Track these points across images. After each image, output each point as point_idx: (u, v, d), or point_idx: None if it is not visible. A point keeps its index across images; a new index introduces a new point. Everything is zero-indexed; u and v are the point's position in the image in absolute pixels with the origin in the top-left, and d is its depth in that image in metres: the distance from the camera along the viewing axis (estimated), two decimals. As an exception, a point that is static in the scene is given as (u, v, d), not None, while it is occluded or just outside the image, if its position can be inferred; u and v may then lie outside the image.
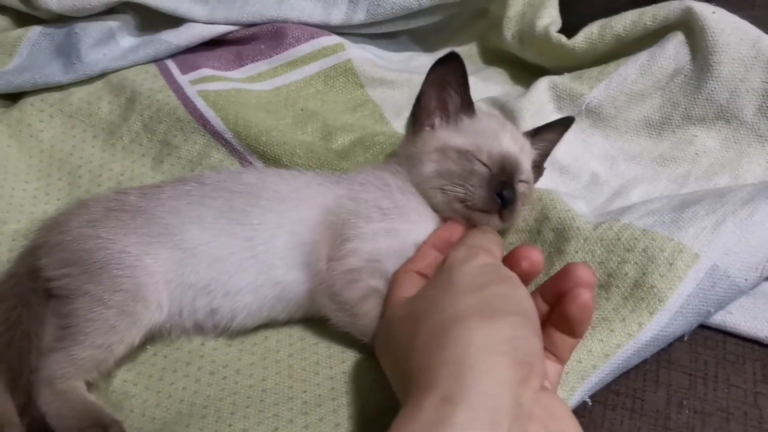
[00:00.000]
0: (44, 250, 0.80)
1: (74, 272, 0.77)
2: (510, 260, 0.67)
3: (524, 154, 0.83)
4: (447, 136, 0.82)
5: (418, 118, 0.84)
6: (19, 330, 0.76)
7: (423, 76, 1.09)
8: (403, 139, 0.87)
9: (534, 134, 0.88)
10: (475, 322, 0.54)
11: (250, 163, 0.96)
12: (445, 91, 0.82)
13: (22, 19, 1.10)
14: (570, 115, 0.98)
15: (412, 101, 1.06)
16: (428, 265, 0.73)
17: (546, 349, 0.63)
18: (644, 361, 0.74)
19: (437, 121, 0.83)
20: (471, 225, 0.78)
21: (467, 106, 0.82)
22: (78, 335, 0.74)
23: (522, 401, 0.50)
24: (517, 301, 0.58)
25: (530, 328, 0.56)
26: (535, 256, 0.66)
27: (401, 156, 0.85)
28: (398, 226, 0.78)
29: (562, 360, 0.65)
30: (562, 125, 0.91)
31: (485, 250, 0.66)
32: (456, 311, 0.56)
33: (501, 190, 0.76)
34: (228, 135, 0.96)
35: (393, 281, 0.72)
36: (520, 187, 0.80)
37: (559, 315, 0.62)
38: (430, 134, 0.83)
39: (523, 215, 0.82)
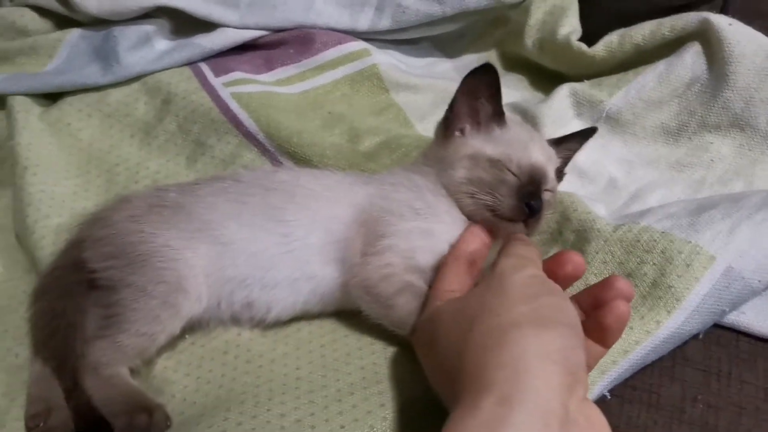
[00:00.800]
0: (88, 243, 0.84)
1: (118, 264, 0.81)
2: (553, 263, 0.70)
3: (550, 164, 0.86)
4: (478, 144, 0.84)
5: (449, 124, 0.86)
6: (64, 319, 0.79)
7: (445, 82, 1.15)
8: (433, 142, 0.90)
9: (559, 143, 0.91)
10: (529, 330, 0.56)
11: (281, 163, 0.99)
12: (477, 99, 0.84)
13: (62, 22, 1.14)
14: (589, 120, 1.02)
15: (435, 106, 1.11)
16: (475, 251, 0.76)
17: None
18: (660, 358, 0.78)
19: (468, 127, 0.86)
20: (496, 231, 0.81)
21: (498, 115, 0.85)
22: (123, 324, 0.78)
23: (569, 408, 0.53)
24: (566, 313, 0.61)
25: (578, 339, 0.59)
26: (578, 260, 0.69)
27: (430, 158, 0.88)
28: (432, 226, 0.81)
29: (588, 368, 0.67)
30: (585, 135, 0.93)
31: (532, 261, 0.68)
32: (511, 317, 0.58)
33: (529, 200, 0.79)
34: (260, 136, 1.00)
35: (440, 268, 0.76)
36: (545, 196, 0.83)
37: (594, 324, 0.65)
38: (461, 140, 0.85)
39: (546, 221, 0.86)
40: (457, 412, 0.53)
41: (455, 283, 0.73)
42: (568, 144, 0.92)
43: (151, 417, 0.72)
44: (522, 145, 0.84)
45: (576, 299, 0.68)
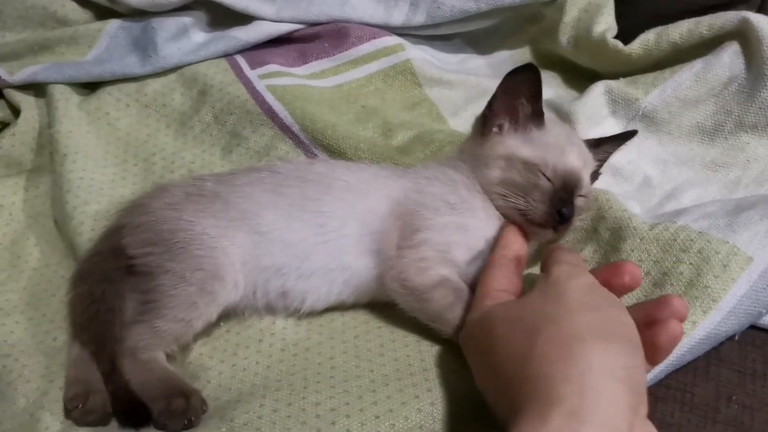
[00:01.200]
0: (127, 230, 0.86)
1: (157, 251, 0.82)
2: (610, 272, 0.69)
3: (586, 169, 0.86)
4: (515, 144, 0.84)
5: (487, 121, 0.86)
6: (103, 304, 0.81)
7: (478, 78, 1.15)
8: (469, 138, 0.90)
9: (597, 144, 0.91)
10: (593, 343, 0.56)
11: (315, 155, 1.00)
12: (518, 99, 0.84)
13: (102, 12, 1.16)
14: (624, 118, 1.02)
15: (468, 102, 1.12)
16: (520, 249, 0.77)
17: None
18: (695, 358, 0.77)
19: (506, 126, 0.85)
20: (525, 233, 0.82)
21: (538, 117, 0.84)
22: (161, 309, 0.79)
23: (632, 428, 0.53)
24: (628, 328, 0.60)
25: (640, 358, 0.59)
26: (636, 271, 0.68)
27: (466, 154, 0.88)
28: (467, 221, 0.82)
29: None
30: (624, 137, 0.92)
31: (584, 269, 0.68)
32: (573, 328, 0.58)
33: (561, 207, 0.79)
34: (295, 128, 1.01)
35: (488, 267, 0.76)
36: (578, 202, 0.83)
37: (645, 340, 0.63)
38: (498, 139, 0.85)
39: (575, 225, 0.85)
40: (524, 424, 0.53)
41: (506, 283, 0.73)
42: (607, 146, 0.91)
43: (188, 401, 0.73)
44: (559, 149, 0.83)
45: (629, 312, 0.66)
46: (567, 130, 0.89)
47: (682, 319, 0.64)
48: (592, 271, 0.70)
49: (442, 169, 0.87)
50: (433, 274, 0.79)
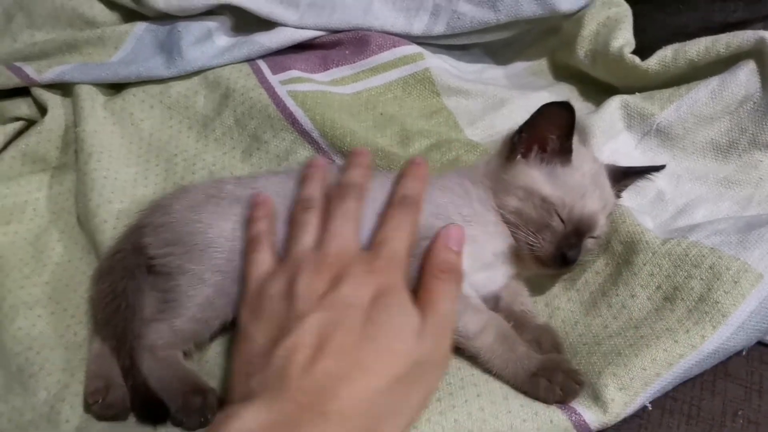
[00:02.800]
0: (148, 229, 0.88)
1: (176, 251, 0.84)
2: None
3: (605, 211, 0.86)
4: (538, 178, 0.84)
5: (515, 147, 0.86)
6: (125, 300, 0.83)
7: (496, 88, 1.17)
8: (494, 156, 0.90)
9: (625, 175, 0.92)
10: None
11: (334, 161, 1.02)
12: (549, 133, 0.84)
13: (129, 14, 1.18)
14: (639, 133, 1.03)
15: (485, 112, 1.13)
16: None
17: None
18: (702, 372, 0.79)
19: (532, 155, 0.86)
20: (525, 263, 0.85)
21: (565, 154, 0.85)
22: (179, 309, 0.81)
23: None
24: None
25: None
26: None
27: (489, 171, 0.88)
28: (477, 234, 0.83)
29: None
30: (654, 170, 0.93)
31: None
32: None
33: (567, 251, 0.81)
34: (315, 134, 1.03)
35: None
36: (588, 244, 0.84)
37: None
38: (523, 167, 0.85)
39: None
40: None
41: None
42: (634, 177, 0.93)
43: (205, 399, 0.75)
44: (580, 191, 0.84)
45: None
46: (594, 167, 0.88)
47: None
48: None
49: (460, 180, 0.89)
50: None
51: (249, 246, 0.78)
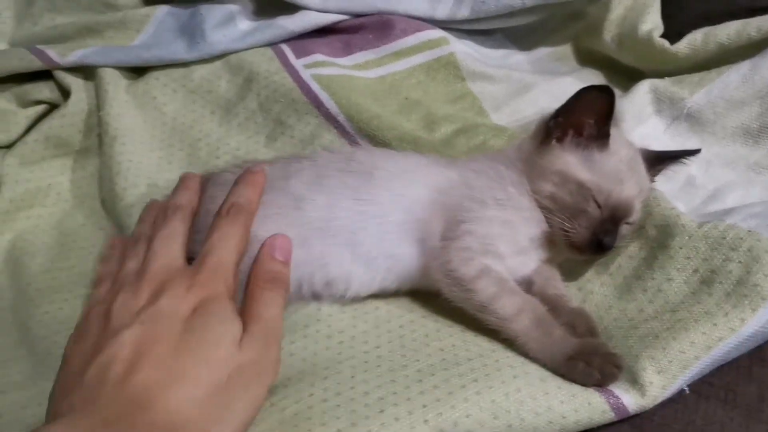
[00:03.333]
0: None
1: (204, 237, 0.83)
2: None
3: (641, 196, 0.85)
4: (574, 163, 0.83)
5: (551, 131, 0.85)
6: None
7: (521, 74, 1.16)
8: (527, 141, 0.89)
9: (660, 160, 0.90)
10: None
11: (360, 145, 1.01)
12: (588, 117, 0.83)
13: (151, -3, 1.18)
14: (669, 117, 1.02)
15: (510, 97, 1.12)
16: None
17: None
18: (737, 357, 0.77)
19: (568, 139, 0.84)
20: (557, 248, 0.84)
21: (602, 139, 0.83)
22: None
23: None
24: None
25: None
26: None
27: (522, 155, 0.87)
28: (513, 218, 0.82)
29: None
30: (689, 154, 0.92)
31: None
32: None
33: (603, 237, 0.79)
34: (340, 117, 1.02)
35: None
36: (623, 230, 0.83)
37: None
38: (558, 152, 0.84)
39: None
40: None
41: None
42: (669, 162, 0.91)
43: None
44: (617, 177, 0.82)
45: None
46: (630, 153, 0.87)
47: None
48: None
49: (493, 164, 0.87)
50: (476, 264, 0.79)
51: (93, 284, 0.77)
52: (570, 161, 0.83)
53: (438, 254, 0.81)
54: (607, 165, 0.83)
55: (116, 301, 0.65)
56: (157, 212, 0.79)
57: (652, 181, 0.91)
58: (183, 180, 0.83)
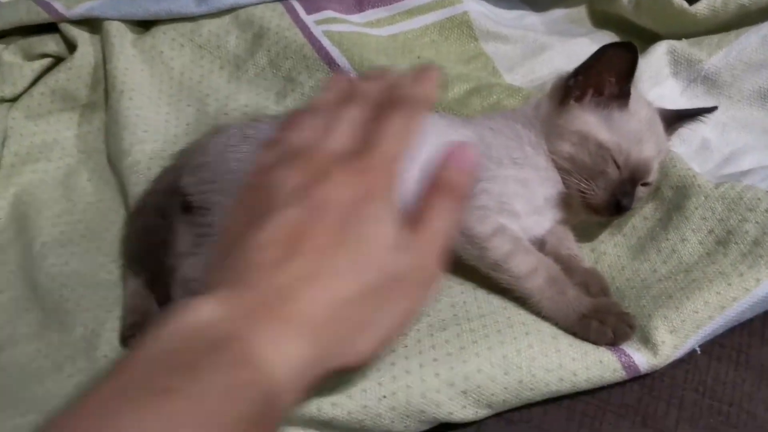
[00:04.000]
0: (186, 171, 0.86)
1: (215, 188, 0.83)
2: None
3: (659, 157, 0.83)
4: (593, 123, 0.81)
5: (570, 90, 0.83)
6: (158, 236, 0.83)
7: (535, 34, 1.14)
8: (546, 99, 0.87)
9: (678, 118, 0.88)
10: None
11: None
12: (609, 75, 0.81)
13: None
14: (686, 80, 1.00)
15: (525, 57, 1.10)
16: None
17: None
18: (750, 319, 0.77)
19: (587, 99, 0.83)
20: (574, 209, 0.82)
21: (623, 98, 0.81)
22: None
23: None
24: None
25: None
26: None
27: (540, 115, 0.86)
28: (529, 177, 0.81)
29: None
30: (706, 112, 0.90)
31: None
32: None
33: (622, 198, 0.78)
34: (353, 75, 1.00)
35: None
36: (639, 193, 0.81)
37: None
38: (578, 111, 0.82)
39: None
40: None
41: None
42: (686, 121, 0.89)
43: None
44: (637, 137, 0.81)
45: None
46: (649, 113, 0.85)
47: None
48: None
49: (510, 123, 0.86)
50: (492, 222, 0.78)
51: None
52: (590, 121, 0.82)
53: None
54: (627, 125, 0.81)
55: (282, 174, 0.60)
56: (343, 92, 0.74)
57: (669, 140, 0.89)
58: (366, 74, 0.76)
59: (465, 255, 0.80)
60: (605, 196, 0.79)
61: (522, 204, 0.80)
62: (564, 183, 0.82)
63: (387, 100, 0.64)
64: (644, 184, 0.83)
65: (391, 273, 0.55)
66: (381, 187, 0.60)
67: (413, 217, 0.59)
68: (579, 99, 0.83)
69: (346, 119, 0.67)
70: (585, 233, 0.87)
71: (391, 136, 0.63)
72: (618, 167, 0.80)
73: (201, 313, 0.49)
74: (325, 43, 1.02)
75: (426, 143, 0.84)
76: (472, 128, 0.86)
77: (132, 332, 0.78)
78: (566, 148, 0.81)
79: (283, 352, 0.49)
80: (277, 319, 0.50)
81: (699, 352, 0.75)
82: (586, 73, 0.82)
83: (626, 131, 0.81)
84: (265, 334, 0.49)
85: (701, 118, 0.90)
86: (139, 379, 0.44)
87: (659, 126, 0.85)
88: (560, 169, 0.82)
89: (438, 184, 0.63)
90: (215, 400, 0.44)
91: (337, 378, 0.62)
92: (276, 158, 0.65)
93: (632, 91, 0.83)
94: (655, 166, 0.83)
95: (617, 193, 0.78)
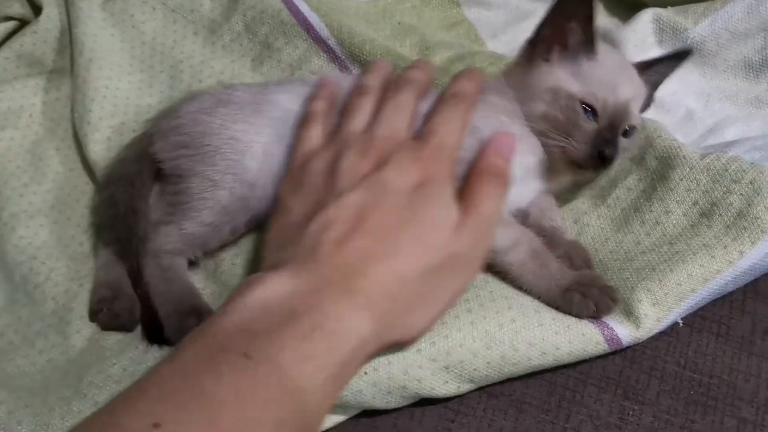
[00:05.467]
0: (157, 136, 0.84)
1: (188, 153, 0.81)
2: None
3: (637, 100, 0.81)
4: (563, 77, 0.79)
5: (535, 48, 0.81)
6: (126, 204, 0.80)
7: (518, 1, 1.11)
8: (515, 64, 0.85)
9: (647, 67, 0.86)
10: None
11: (350, 70, 0.97)
12: (568, 23, 0.78)
13: None
14: (671, 48, 0.98)
15: (507, 24, 1.08)
16: None
17: None
18: (731, 291, 0.77)
19: (555, 54, 0.81)
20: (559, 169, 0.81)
21: (589, 44, 0.79)
22: (189, 211, 0.78)
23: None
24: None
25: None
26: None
27: (511, 79, 0.84)
28: (530, 159, 0.79)
29: None
30: (678, 58, 0.88)
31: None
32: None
33: (603, 148, 0.76)
34: (331, 41, 0.97)
35: None
36: (623, 142, 0.79)
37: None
38: (546, 69, 0.80)
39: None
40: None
41: None
42: (660, 68, 0.87)
43: (200, 321, 0.71)
44: (609, 82, 0.78)
45: None
46: (619, 58, 0.84)
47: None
48: None
49: (484, 94, 0.84)
50: None
51: (302, 122, 0.76)
52: (559, 75, 0.80)
53: None
54: (597, 72, 0.79)
55: (343, 159, 0.65)
56: (388, 76, 0.76)
57: (652, 92, 0.87)
58: (414, 63, 0.79)
59: None
60: (587, 149, 0.76)
61: None
62: (544, 147, 0.80)
63: (443, 94, 0.70)
64: (627, 135, 0.80)
65: (449, 253, 0.60)
66: (440, 173, 0.65)
67: (462, 200, 0.63)
68: (546, 57, 0.81)
69: (401, 106, 0.70)
70: (568, 205, 0.86)
71: (448, 126, 0.67)
72: (596, 117, 0.78)
73: (275, 286, 0.53)
74: (303, 8, 0.98)
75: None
76: None
77: (100, 307, 0.76)
78: (540, 107, 0.79)
79: (351, 325, 0.53)
80: (345, 293, 0.54)
81: (681, 325, 0.75)
82: (547, 27, 0.80)
83: (597, 79, 0.79)
84: (334, 307, 0.53)
85: (675, 64, 0.88)
86: (220, 344, 0.49)
87: (632, 70, 0.83)
88: (538, 133, 0.79)
89: (483, 171, 0.66)
90: (290, 366, 0.48)
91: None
92: (329, 143, 0.69)
93: (600, 40, 0.81)
94: (635, 110, 0.81)
95: (598, 144, 0.76)
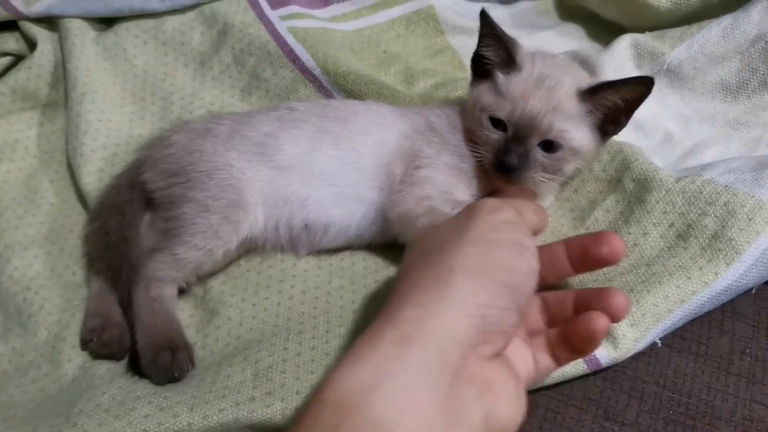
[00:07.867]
0: (147, 165, 0.86)
1: (179, 181, 0.83)
2: (591, 240, 0.66)
3: (553, 114, 0.78)
4: (482, 92, 0.83)
5: (474, 70, 0.86)
6: (117, 234, 0.83)
7: (502, 28, 1.13)
8: (470, 84, 0.88)
9: (595, 91, 0.79)
10: (459, 275, 0.54)
11: (335, 99, 0.99)
12: (485, 48, 0.83)
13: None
14: (649, 72, 1.00)
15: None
16: None
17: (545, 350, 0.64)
18: (710, 311, 0.78)
19: (491, 73, 0.83)
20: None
21: (505, 61, 0.82)
22: (182, 236, 0.80)
23: (468, 364, 0.52)
24: (510, 272, 0.57)
25: (509, 303, 0.55)
26: (618, 245, 0.64)
27: (464, 100, 0.89)
28: (449, 159, 0.84)
29: (557, 361, 0.65)
30: (633, 84, 0.78)
31: (515, 209, 0.64)
32: (453, 259, 0.56)
33: (503, 157, 0.78)
34: (317, 71, 0.99)
35: None
36: (537, 154, 0.79)
37: (570, 327, 0.63)
38: (477, 86, 0.85)
39: (567, 172, 0.83)
40: (362, 340, 0.53)
41: None
42: (607, 93, 0.78)
43: (174, 357, 0.73)
44: (521, 94, 0.79)
45: (576, 294, 0.66)
46: (544, 71, 0.81)
47: (615, 319, 0.61)
48: (574, 239, 0.68)
49: (448, 111, 0.88)
50: (426, 205, 0.80)
51: None
52: (479, 92, 0.84)
53: (395, 198, 0.82)
54: (513, 85, 0.81)
55: None
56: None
57: (605, 116, 0.81)
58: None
59: (401, 236, 0.82)
60: (491, 158, 0.80)
61: (463, 193, 0.83)
62: (473, 156, 0.83)
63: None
64: (551, 150, 0.79)
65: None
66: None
67: None
68: (482, 75, 0.85)
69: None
70: (550, 226, 0.87)
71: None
72: (505, 127, 0.80)
73: None
74: (289, 39, 1.01)
75: (380, 129, 0.86)
76: (417, 117, 0.88)
77: (90, 337, 0.78)
78: (467, 124, 0.85)
79: None
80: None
81: (660, 345, 0.76)
82: (477, 49, 0.84)
83: (510, 91, 0.80)
84: None
85: (629, 89, 0.79)
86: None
87: (556, 83, 0.80)
88: (469, 143, 0.84)
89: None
90: None
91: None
92: None
93: (532, 54, 0.83)
94: (546, 123, 0.78)
95: (500, 153, 0.79)
